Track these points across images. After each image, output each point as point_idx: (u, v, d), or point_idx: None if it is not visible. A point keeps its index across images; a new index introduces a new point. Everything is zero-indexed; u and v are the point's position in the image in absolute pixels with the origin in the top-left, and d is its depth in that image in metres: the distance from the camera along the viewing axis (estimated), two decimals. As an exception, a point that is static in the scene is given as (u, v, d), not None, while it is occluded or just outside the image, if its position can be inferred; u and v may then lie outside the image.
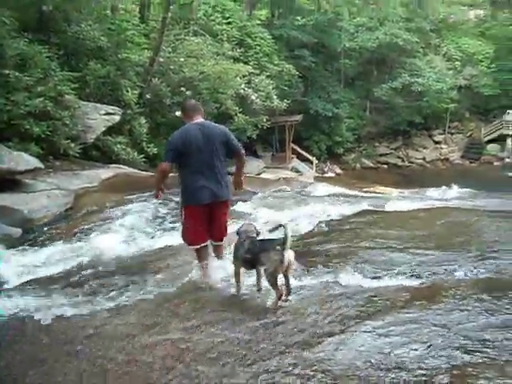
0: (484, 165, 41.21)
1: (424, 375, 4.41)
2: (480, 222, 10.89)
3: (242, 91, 25.60)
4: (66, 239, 10.37)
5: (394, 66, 42.67)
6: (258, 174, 28.90)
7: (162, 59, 22.14)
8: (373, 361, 4.66)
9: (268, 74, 28.78)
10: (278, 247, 5.90)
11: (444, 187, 21.77)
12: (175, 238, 8.91)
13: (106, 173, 16.72)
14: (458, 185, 22.74)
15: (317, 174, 34.85)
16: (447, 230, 10.21)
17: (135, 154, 19.66)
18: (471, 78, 42.69)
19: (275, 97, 28.21)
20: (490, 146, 42.46)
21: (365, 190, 20.77)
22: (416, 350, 4.86)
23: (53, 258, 9.22)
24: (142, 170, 18.93)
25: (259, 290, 6.43)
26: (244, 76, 25.94)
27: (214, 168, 7.20)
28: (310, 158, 36.92)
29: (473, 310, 5.72)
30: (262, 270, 6.15)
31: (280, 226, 6.09)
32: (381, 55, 42.48)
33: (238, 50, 27.06)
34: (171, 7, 21.69)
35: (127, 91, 19.98)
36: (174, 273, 7.81)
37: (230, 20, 29.23)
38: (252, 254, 6.23)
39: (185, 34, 24.46)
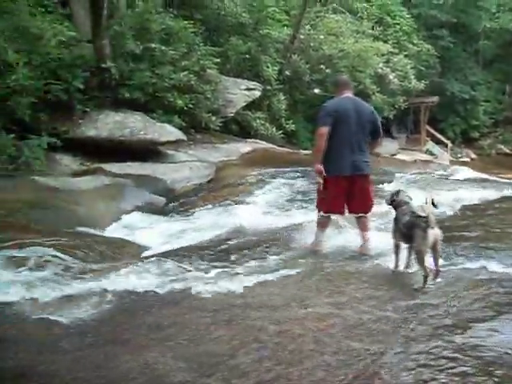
0: None
1: None
2: None
3: (379, 70, 25.25)
4: (209, 209, 10.65)
5: (539, 49, 40.80)
6: (394, 155, 28.51)
7: (302, 36, 22.14)
8: None
9: (406, 53, 28.24)
10: (424, 224, 5.88)
11: None
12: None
13: (244, 147, 17.05)
14: None
15: (451, 158, 33.98)
16: None
17: (273, 129, 19.87)
18: None
19: (413, 77, 27.67)
20: None
21: (503, 176, 20.06)
22: None
23: (196, 227, 9.47)
24: (280, 146, 19.12)
25: (407, 267, 6.53)
26: (383, 55, 25.58)
27: (360, 142, 7.42)
28: (445, 140, 36.00)
29: None
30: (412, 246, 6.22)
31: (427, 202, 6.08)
32: (523, 36, 40.70)
33: (378, 29, 26.74)
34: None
35: (267, 67, 20.15)
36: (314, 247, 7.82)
37: (370, -3, 28.94)
38: (407, 228, 6.18)
39: (325, 11, 24.31)
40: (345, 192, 7.46)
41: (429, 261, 6.09)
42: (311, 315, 5.34)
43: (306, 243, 7.92)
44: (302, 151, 19.05)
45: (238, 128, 19.33)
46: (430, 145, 34.97)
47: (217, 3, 19.59)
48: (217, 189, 12.46)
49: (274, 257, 7.45)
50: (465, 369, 4.19)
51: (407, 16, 31.22)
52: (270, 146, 18.53)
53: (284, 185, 12.36)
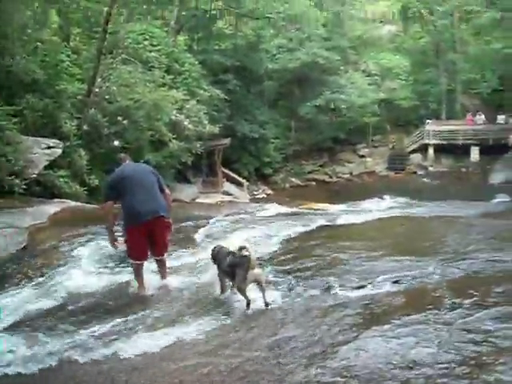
0: (409, 175, 42.31)
1: (445, 368, 4.75)
2: (434, 227, 11.41)
3: (173, 117, 25.49)
4: (34, 278, 10.06)
5: (316, 85, 43.18)
6: (194, 199, 28.83)
7: (96, 89, 21.84)
8: (393, 362, 4.96)
9: (198, 99, 28.76)
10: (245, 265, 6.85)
11: (376, 199, 22.38)
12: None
13: (52, 208, 16.33)
14: (390, 195, 23.45)
15: (248, 196, 34.97)
16: (409, 237, 10.85)
17: (77, 186, 19.31)
18: (390, 91, 43.74)
19: (206, 122, 28.20)
20: (413, 156, 43.50)
21: (302, 207, 20.96)
22: (428, 347, 5.20)
23: (27, 299, 8.95)
24: (86, 203, 18.65)
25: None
26: (176, 102, 25.87)
27: (151, 193, 8.42)
28: (241, 180, 36.97)
29: (467, 306, 6.15)
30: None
31: (243, 248, 7.00)
32: (303, 74, 42.98)
33: (168, 77, 27.03)
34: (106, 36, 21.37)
35: (65, 123, 19.63)
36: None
37: (158, 47, 29.14)
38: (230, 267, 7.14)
39: (115, 62, 24.24)
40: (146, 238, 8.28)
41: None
42: (181, 369, 5.42)
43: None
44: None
45: (42, 188, 18.54)
46: (227, 186, 35.68)
47: (8, 60, 18.83)
48: (35, 255, 11.83)
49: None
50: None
51: (195, 62, 31.84)
52: (77, 204, 17.96)
53: (103, 241, 12.00)
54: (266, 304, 6.93)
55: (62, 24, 25.96)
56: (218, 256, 7.67)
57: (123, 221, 8.36)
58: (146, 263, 8.56)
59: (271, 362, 5.27)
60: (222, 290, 7.67)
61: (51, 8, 23.77)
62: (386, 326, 5.75)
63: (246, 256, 6.90)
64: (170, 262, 9.21)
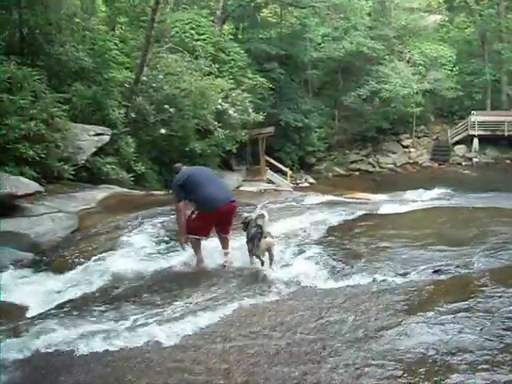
0: (453, 166, 41.87)
1: (486, 355, 4.83)
2: (478, 218, 11.32)
3: (219, 106, 25.66)
4: (82, 261, 10.27)
5: (361, 74, 43.09)
6: (238, 187, 28.93)
7: (144, 78, 22.09)
8: (436, 347, 5.05)
9: (243, 88, 28.88)
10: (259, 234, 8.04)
11: (419, 189, 22.17)
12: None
13: (100, 193, 16.65)
14: (432, 186, 23.23)
15: (292, 185, 34.97)
16: (452, 227, 10.62)
17: (124, 173, 19.60)
18: (435, 81, 43.17)
19: (251, 110, 28.31)
20: (457, 148, 43.04)
21: (345, 196, 20.92)
22: (471, 334, 5.27)
23: (74, 282, 9.14)
24: (132, 189, 18.90)
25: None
26: (222, 91, 26.03)
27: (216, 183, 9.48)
28: (284, 168, 36.98)
29: (508, 296, 6.15)
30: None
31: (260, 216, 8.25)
32: (347, 64, 42.87)
33: (214, 66, 27.18)
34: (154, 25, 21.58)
35: (113, 111, 19.92)
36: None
37: (204, 36, 29.30)
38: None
39: (162, 51, 24.46)
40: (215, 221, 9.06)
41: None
42: (229, 350, 5.52)
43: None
44: (156, 192, 18.96)
45: (89, 174, 18.85)
46: (270, 174, 35.74)
47: (58, 49, 19.14)
48: (84, 239, 12.05)
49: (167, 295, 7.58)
50: (391, 372, 4.68)
51: (241, 51, 31.95)
52: (125, 190, 18.25)
53: (153, 227, 12.17)
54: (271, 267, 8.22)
55: (109, 13, 26.25)
56: (247, 226, 8.57)
57: (197, 208, 9.08)
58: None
59: (317, 345, 5.38)
60: (251, 258, 8.43)
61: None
62: (430, 313, 5.82)
63: (259, 225, 8.03)
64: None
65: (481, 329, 5.35)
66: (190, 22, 29.34)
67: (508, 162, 40.27)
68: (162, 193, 18.72)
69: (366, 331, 5.57)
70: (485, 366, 4.63)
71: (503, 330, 5.32)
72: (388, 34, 43.84)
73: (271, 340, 5.62)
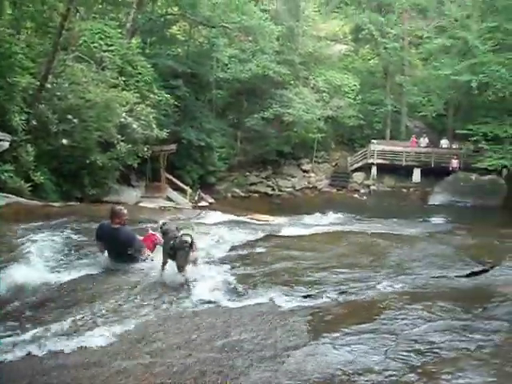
0: (351, 192, 42.73)
1: (392, 375, 5.01)
2: (377, 243, 11.66)
3: (123, 120, 25.25)
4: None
5: (265, 97, 43.37)
6: (136, 203, 28.55)
7: (48, 85, 21.51)
8: (343, 368, 5.18)
9: (148, 103, 28.56)
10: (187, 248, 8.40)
11: (318, 214, 22.53)
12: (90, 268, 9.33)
13: (-5, 202, 16.05)
14: (331, 211, 23.66)
15: (190, 204, 34.82)
16: (353, 250, 10.92)
17: (22, 182, 18.96)
18: (338, 109, 44.07)
19: (155, 126, 28.01)
20: (356, 175, 44.00)
21: (245, 217, 20.96)
22: (376, 355, 5.45)
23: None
24: (29, 199, 18.34)
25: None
26: (127, 104, 25.66)
27: None
28: (184, 187, 36.71)
29: (411, 318, 6.48)
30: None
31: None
32: (252, 86, 43.14)
33: (121, 78, 26.79)
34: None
35: (14, 116, 19.27)
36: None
37: (112, 48, 28.86)
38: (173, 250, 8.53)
39: (69, 60, 23.93)
40: None
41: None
42: (133, 368, 5.43)
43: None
44: (54, 204, 18.44)
45: (-17, 182, 18.17)
46: (170, 192, 35.45)
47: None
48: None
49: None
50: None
51: (148, 66, 31.66)
52: (23, 199, 17.68)
53: (52, 238, 11.81)
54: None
55: (15, 16, 25.49)
56: (164, 236, 9.01)
57: None
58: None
59: (225, 363, 5.38)
60: (163, 268, 8.71)
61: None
62: (336, 334, 5.97)
63: (186, 241, 8.40)
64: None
65: (386, 350, 5.55)
66: (99, 32, 28.80)
67: (404, 190, 41.56)
68: (59, 204, 18.24)
69: (273, 351, 5.62)
70: (392, 387, 4.75)
71: (407, 351, 5.52)
72: (294, 59, 44.41)
73: (178, 359, 5.53)
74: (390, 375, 5.01)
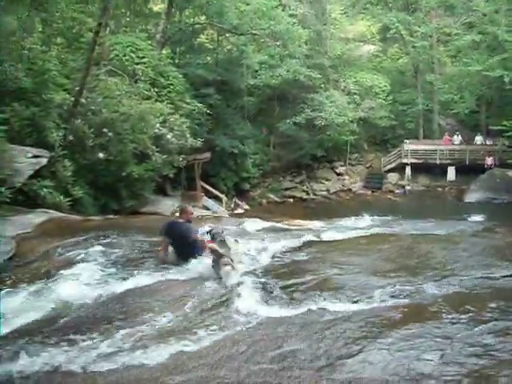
0: (386, 193, 42.52)
1: (450, 380, 4.94)
2: (419, 244, 11.54)
3: (157, 130, 25.39)
4: (24, 288, 9.84)
5: (296, 102, 43.41)
6: (173, 213, 28.58)
7: (83, 100, 21.68)
8: (400, 374, 5.11)
9: (181, 112, 28.70)
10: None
11: (354, 217, 22.34)
12: (137, 280, 9.27)
13: (37, 218, 16.11)
14: (368, 213, 23.45)
15: (227, 211, 34.85)
16: (396, 253, 10.85)
17: (61, 197, 19.10)
18: (369, 110, 43.96)
19: (189, 135, 28.11)
20: (390, 175, 43.74)
21: (282, 223, 20.84)
22: (431, 360, 5.36)
23: (19, 308, 8.74)
24: (68, 214, 18.45)
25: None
26: (161, 115, 25.79)
27: None
28: (220, 195, 36.80)
29: (463, 321, 6.40)
30: None
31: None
32: (283, 91, 43.26)
33: (153, 90, 26.96)
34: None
35: (51, 133, 19.46)
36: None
37: (144, 60, 29.08)
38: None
39: (102, 74, 24.12)
40: None
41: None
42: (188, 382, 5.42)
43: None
44: (93, 217, 18.54)
45: (25, 198, 18.30)
46: (206, 200, 35.52)
47: (-5, 68, 18.69)
48: (23, 265, 11.62)
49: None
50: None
51: (180, 76, 31.81)
52: (63, 214, 17.77)
53: (96, 253, 11.85)
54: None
55: (47, 33, 25.78)
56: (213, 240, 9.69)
57: None
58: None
59: (279, 375, 5.31)
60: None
61: (39, 16, 23.52)
62: (389, 340, 5.90)
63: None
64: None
65: (441, 354, 5.46)
66: (130, 45, 29.05)
67: (439, 189, 41.29)
68: (99, 218, 18.34)
69: (327, 360, 5.54)
70: (451, 392, 4.66)
71: (463, 355, 5.44)
72: (324, 62, 44.45)
73: (231, 371, 5.47)
74: (448, 380, 4.94)
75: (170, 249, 10.62)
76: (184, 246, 10.35)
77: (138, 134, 23.84)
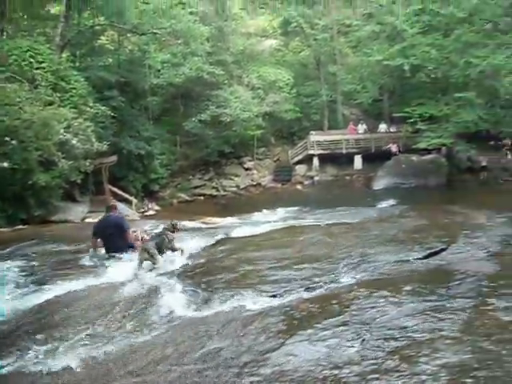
0: (295, 185, 42.86)
1: (372, 364, 5.11)
2: (333, 233, 11.79)
3: (61, 136, 24.84)
4: None
5: (201, 99, 43.24)
6: (83, 219, 28.14)
7: (-20, 108, 21.04)
8: (323, 363, 5.25)
9: (85, 117, 28.16)
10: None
11: (265, 210, 22.57)
12: (56, 289, 9.05)
13: None
14: (278, 206, 23.71)
15: (138, 214, 34.49)
16: (310, 244, 11.07)
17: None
18: (274, 104, 44.21)
19: (94, 139, 27.63)
20: (299, 167, 44.24)
21: (193, 222, 20.83)
22: (353, 346, 5.55)
23: None
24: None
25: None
26: (65, 120, 25.25)
27: None
28: (129, 197, 36.28)
29: (380, 306, 6.62)
30: None
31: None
32: (187, 89, 42.92)
33: (55, 95, 26.36)
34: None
35: None
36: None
37: (44, 64, 28.33)
38: None
39: (1, 81, 23.45)
40: None
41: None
42: None
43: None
44: (2, 229, 18.13)
45: None
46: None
47: None
48: None
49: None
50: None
51: (81, 80, 31.18)
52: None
53: (12, 264, 11.54)
54: None
55: None
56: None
57: None
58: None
59: (206, 374, 5.36)
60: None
61: None
62: (310, 331, 6.03)
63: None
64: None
65: (361, 340, 5.61)
66: (29, 50, 28.22)
67: (348, 178, 42.04)
68: (7, 230, 17.94)
69: (251, 356, 5.62)
70: (375, 376, 4.84)
71: (383, 339, 5.63)
72: (226, 59, 44.43)
73: (159, 375, 5.50)
74: (370, 364, 5.08)
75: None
76: (114, 239, 10.81)
77: (42, 140, 23.22)
